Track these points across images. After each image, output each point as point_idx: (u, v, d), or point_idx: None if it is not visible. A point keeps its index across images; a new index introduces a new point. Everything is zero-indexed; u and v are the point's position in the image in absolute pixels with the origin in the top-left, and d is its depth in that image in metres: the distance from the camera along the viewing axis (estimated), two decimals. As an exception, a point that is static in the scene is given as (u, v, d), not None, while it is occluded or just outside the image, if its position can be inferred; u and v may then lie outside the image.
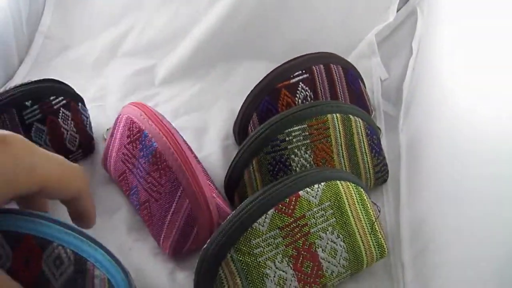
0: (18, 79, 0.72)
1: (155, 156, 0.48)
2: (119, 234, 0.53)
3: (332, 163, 0.53)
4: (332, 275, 0.45)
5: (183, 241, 0.48)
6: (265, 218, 0.42)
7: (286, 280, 0.43)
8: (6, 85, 0.71)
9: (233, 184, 0.53)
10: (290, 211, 0.43)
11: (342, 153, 0.53)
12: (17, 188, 0.31)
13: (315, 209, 0.44)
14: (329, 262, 0.45)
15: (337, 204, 0.45)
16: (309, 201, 0.44)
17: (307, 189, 0.44)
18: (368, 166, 0.55)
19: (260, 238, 0.42)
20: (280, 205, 0.42)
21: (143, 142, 0.49)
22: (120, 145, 0.53)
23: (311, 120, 0.51)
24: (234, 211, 0.43)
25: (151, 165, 0.48)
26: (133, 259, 0.51)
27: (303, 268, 0.43)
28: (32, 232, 0.33)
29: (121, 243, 0.52)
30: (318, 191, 0.44)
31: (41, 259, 0.33)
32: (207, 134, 0.66)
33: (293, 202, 0.43)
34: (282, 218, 0.42)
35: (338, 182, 0.46)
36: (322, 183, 0.45)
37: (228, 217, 0.43)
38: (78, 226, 0.38)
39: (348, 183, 0.46)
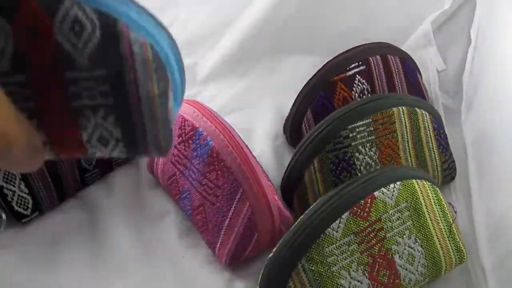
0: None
1: (211, 156, 0.44)
2: (169, 241, 0.50)
3: (398, 160, 0.49)
4: (410, 283, 0.41)
5: (241, 248, 0.44)
6: (339, 222, 0.38)
7: (361, 290, 0.39)
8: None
9: (292, 186, 0.49)
10: (365, 214, 0.38)
11: (409, 149, 0.49)
12: None
13: (391, 211, 0.40)
14: (406, 269, 0.40)
15: (413, 205, 0.41)
16: (385, 203, 0.39)
17: (383, 189, 0.39)
18: (436, 163, 0.51)
19: (334, 245, 0.38)
20: (355, 208, 0.38)
21: (197, 141, 0.46)
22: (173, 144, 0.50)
23: (375, 114, 0.47)
24: (303, 216, 0.39)
25: (207, 165, 0.45)
26: (186, 268, 0.48)
27: (379, 277, 0.39)
28: None
29: (172, 250, 0.49)
30: (394, 191, 0.40)
31: (52, 27, 0.23)
32: (255, 134, 0.62)
33: (368, 204, 0.39)
34: (357, 222, 0.38)
35: (414, 181, 0.41)
36: (398, 183, 0.40)
37: (296, 223, 0.39)
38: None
39: (424, 182, 0.42)
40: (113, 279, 0.46)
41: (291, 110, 0.57)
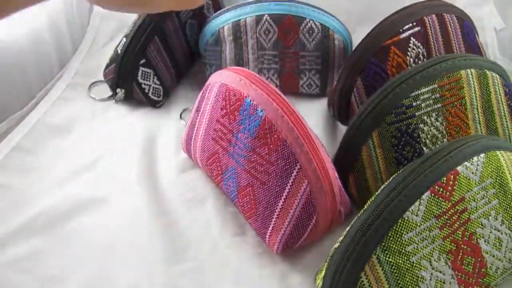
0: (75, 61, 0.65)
1: (263, 128, 0.38)
2: (212, 230, 0.45)
3: (468, 131, 0.43)
4: (497, 272, 0.35)
5: (297, 233, 0.39)
6: (419, 204, 0.32)
7: (444, 283, 0.33)
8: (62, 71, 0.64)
9: (347, 165, 0.43)
10: (447, 193, 0.33)
11: (479, 118, 0.43)
12: None
13: (475, 189, 0.34)
14: (493, 256, 0.35)
15: (499, 181, 0.35)
16: (469, 179, 0.33)
17: (466, 163, 0.33)
18: (509, 133, 0.45)
19: (413, 232, 0.32)
20: (436, 187, 0.32)
21: (245, 112, 0.40)
22: (210, 120, 0.44)
23: (442, 78, 0.41)
24: (375, 197, 0.33)
25: (256, 139, 0.39)
26: (232, 260, 0.43)
27: (463, 266, 0.34)
28: (290, 13, 0.53)
29: (216, 241, 0.44)
30: (478, 165, 0.34)
31: (298, 30, 0.54)
32: (297, 108, 0.56)
33: (451, 182, 0.33)
34: (439, 204, 0.32)
35: (498, 152, 0.35)
36: (482, 155, 0.34)
37: (368, 206, 0.33)
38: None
39: (509, 154, 0.36)
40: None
41: (338, 81, 0.51)
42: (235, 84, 0.41)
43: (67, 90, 0.61)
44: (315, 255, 0.42)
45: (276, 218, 0.39)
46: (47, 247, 0.43)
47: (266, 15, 0.55)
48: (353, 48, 0.52)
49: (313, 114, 0.56)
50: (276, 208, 0.39)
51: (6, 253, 0.43)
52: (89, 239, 0.43)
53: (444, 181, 0.32)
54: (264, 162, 0.39)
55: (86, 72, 0.64)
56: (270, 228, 0.40)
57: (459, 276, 0.33)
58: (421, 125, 0.41)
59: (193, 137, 0.46)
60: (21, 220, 0.45)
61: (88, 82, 0.62)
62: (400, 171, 0.34)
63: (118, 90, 0.59)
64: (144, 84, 0.58)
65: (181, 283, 0.40)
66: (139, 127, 0.56)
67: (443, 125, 0.41)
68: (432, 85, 0.41)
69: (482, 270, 0.34)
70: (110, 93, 0.60)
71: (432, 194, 0.32)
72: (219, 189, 0.46)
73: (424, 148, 0.41)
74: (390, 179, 0.33)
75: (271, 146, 0.38)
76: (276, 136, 0.38)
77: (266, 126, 0.38)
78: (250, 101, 0.40)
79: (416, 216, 0.32)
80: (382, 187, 0.33)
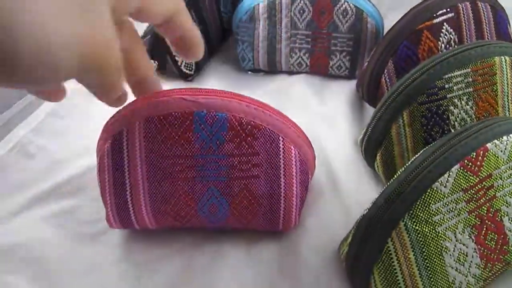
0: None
1: (232, 127, 0.36)
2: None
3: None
4: (518, 251, 0.36)
5: (302, 196, 0.41)
6: (448, 176, 0.33)
7: (467, 255, 0.34)
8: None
9: (376, 142, 0.44)
10: (476, 168, 0.34)
11: (508, 105, 0.44)
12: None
13: (502, 167, 0.35)
14: (515, 234, 0.36)
15: (526, 162, 0.36)
16: (497, 157, 0.34)
17: (495, 141, 0.34)
18: (537, 122, 0.45)
19: (441, 202, 0.33)
20: (466, 161, 0.33)
21: (201, 126, 0.36)
22: (151, 164, 0.37)
23: (476, 63, 0.42)
24: (405, 167, 0.34)
25: (230, 142, 0.36)
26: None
27: (486, 242, 0.35)
28: None
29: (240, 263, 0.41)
30: (507, 144, 0.35)
31: (333, 11, 0.56)
32: (326, 89, 0.57)
33: (480, 158, 0.34)
34: (467, 177, 0.33)
35: (527, 135, 0.36)
36: (511, 135, 0.35)
37: (398, 175, 0.34)
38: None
39: (537, 137, 0.37)
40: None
41: (369, 62, 0.52)
42: (165, 109, 0.36)
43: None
44: (340, 224, 0.43)
45: (283, 196, 0.39)
46: (82, 204, 0.45)
47: (302, -5, 0.56)
48: (384, 33, 0.53)
49: (341, 94, 0.57)
50: (280, 188, 0.38)
51: (44, 209, 0.45)
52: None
53: (474, 156, 0.33)
54: (249, 158, 0.37)
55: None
56: (282, 210, 0.39)
57: (481, 251, 0.34)
58: (451, 108, 0.42)
59: (130, 200, 0.38)
60: (58, 179, 0.47)
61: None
62: (430, 145, 0.35)
63: (152, 61, 0.61)
64: (178, 56, 0.60)
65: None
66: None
67: (472, 109, 0.42)
68: (465, 69, 0.41)
69: (504, 247, 0.35)
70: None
71: (461, 168, 0.33)
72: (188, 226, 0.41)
73: (452, 130, 0.42)
74: (421, 151, 0.34)
75: (249, 138, 0.37)
76: (250, 125, 0.36)
77: (236, 124, 0.36)
78: (201, 112, 0.35)
79: (445, 187, 0.33)
80: (412, 159, 0.34)
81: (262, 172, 0.38)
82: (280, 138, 0.37)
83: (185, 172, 0.37)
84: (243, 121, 0.36)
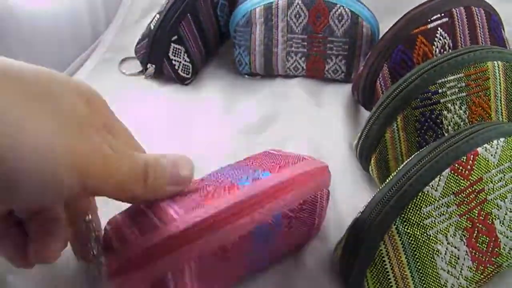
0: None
1: (286, 216, 0.34)
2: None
3: (489, 121, 0.44)
4: (510, 253, 0.37)
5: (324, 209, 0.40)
6: (439, 180, 0.33)
7: (458, 258, 0.35)
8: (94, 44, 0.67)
9: (370, 146, 0.45)
10: (466, 172, 0.34)
11: (501, 109, 0.44)
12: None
13: (493, 171, 0.35)
14: (507, 237, 0.36)
15: (517, 166, 0.36)
16: (488, 161, 0.35)
17: (486, 145, 0.35)
18: (529, 126, 0.46)
19: (432, 206, 0.33)
20: (456, 165, 0.34)
21: (265, 231, 0.33)
22: (201, 269, 0.32)
23: (468, 68, 0.42)
24: (397, 172, 0.35)
25: (286, 227, 0.35)
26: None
27: (477, 245, 0.35)
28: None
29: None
30: (497, 148, 0.35)
31: (328, 16, 0.56)
32: (322, 93, 0.58)
33: (470, 162, 0.34)
34: (458, 181, 0.34)
35: (517, 139, 0.37)
36: (501, 139, 0.36)
37: (390, 179, 0.35)
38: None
39: (529, 141, 0.37)
40: None
41: (364, 66, 0.52)
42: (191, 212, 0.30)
43: (98, 64, 0.63)
44: (335, 227, 0.43)
45: (316, 224, 0.39)
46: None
47: (298, -1, 0.57)
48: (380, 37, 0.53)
49: (337, 98, 0.58)
50: (313, 226, 0.39)
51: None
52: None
53: (464, 160, 0.34)
54: (300, 224, 0.36)
55: (118, 47, 0.66)
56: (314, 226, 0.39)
57: (473, 253, 0.35)
58: (445, 112, 0.42)
59: None
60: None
61: (118, 57, 0.64)
62: (422, 149, 0.35)
63: (148, 65, 0.61)
64: (175, 60, 0.60)
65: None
66: (166, 103, 0.58)
67: (466, 113, 0.43)
68: (458, 73, 0.42)
69: (496, 249, 0.36)
70: (140, 68, 0.62)
71: (452, 172, 0.33)
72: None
73: (446, 135, 0.43)
74: (412, 156, 0.35)
75: (303, 214, 0.36)
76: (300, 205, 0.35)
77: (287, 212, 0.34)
78: (278, 214, 0.33)
79: (436, 191, 0.33)
80: (404, 163, 0.35)
81: (304, 214, 0.36)
82: (318, 193, 0.36)
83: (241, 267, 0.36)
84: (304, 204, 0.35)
